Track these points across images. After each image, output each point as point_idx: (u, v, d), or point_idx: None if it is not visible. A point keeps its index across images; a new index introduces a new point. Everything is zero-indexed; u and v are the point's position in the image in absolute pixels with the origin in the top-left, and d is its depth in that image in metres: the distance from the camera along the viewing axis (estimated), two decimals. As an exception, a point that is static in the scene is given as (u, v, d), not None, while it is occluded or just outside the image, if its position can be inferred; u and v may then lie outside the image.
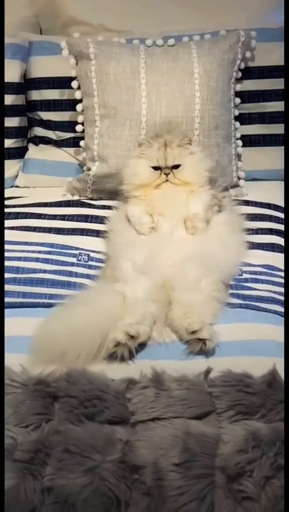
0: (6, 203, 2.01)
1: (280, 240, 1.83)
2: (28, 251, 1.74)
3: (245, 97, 2.09)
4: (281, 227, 1.88)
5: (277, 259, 1.75)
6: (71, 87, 2.07)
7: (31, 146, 2.21)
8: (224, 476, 1.10)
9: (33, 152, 2.19)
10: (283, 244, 1.82)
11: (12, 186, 2.17)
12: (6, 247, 1.75)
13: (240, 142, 2.08)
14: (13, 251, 1.73)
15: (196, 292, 1.51)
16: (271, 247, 1.80)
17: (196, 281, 1.53)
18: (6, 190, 2.11)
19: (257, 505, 1.06)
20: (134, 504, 1.08)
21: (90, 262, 1.73)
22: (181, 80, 1.92)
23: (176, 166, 1.81)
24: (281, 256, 1.77)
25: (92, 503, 1.07)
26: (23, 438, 1.17)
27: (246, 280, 1.66)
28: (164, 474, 1.09)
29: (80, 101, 2.04)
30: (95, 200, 2.01)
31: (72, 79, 2.06)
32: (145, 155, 1.83)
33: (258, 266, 1.72)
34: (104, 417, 1.20)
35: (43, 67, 2.16)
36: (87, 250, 1.77)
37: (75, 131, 2.10)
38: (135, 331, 1.40)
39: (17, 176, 2.18)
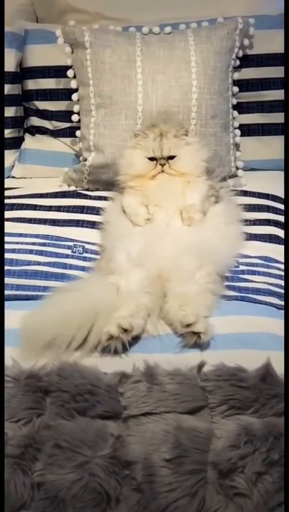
0: (2, 193, 2.00)
1: (278, 231, 1.81)
2: (22, 243, 1.73)
3: (244, 85, 2.06)
4: (279, 217, 1.86)
5: (275, 251, 1.73)
6: (67, 76, 2.04)
7: (27, 136, 2.18)
8: (216, 471, 1.09)
9: (30, 142, 2.17)
10: (281, 235, 1.80)
11: (8, 177, 2.14)
12: (1, 238, 1.73)
13: (238, 132, 2.05)
14: (7, 243, 1.71)
15: (191, 284, 1.50)
16: (269, 238, 1.78)
17: (192, 273, 1.52)
18: (1, 182, 2.10)
19: (249, 501, 1.05)
20: (125, 500, 1.07)
21: (84, 254, 1.72)
22: (178, 69, 1.89)
23: (172, 157, 1.78)
24: (279, 247, 1.75)
25: (82, 499, 1.06)
26: (14, 433, 1.16)
27: (243, 272, 1.64)
28: (155, 470, 1.08)
29: (76, 90, 2.01)
30: (91, 190, 1.99)
31: (68, 68, 2.03)
32: (141, 145, 1.80)
33: (255, 257, 1.70)
34: (96, 412, 1.19)
35: (39, 56, 2.14)
36: (82, 242, 1.75)
37: (71, 121, 2.08)
38: (128, 324, 1.39)
39: (13, 166, 2.16)
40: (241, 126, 2.07)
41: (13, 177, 2.14)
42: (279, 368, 1.26)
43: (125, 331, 1.38)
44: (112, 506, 1.06)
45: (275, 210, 1.88)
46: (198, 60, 1.89)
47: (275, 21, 2.05)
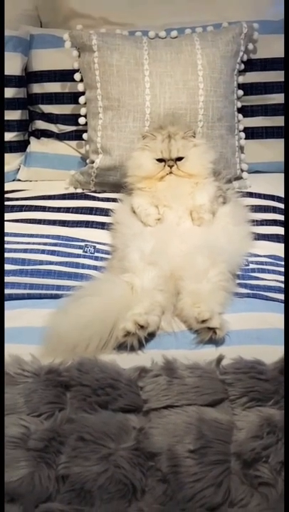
0: (9, 196, 2.01)
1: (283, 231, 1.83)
2: (33, 243, 1.74)
3: (248, 89, 2.09)
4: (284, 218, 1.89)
5: (282, 249, 1.75)
6: (73, 80, 2.06)
7: (33, 140, 2.20)
8: (240, 462, 1.10)
9: (35, 145, 2.18)
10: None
11: (14, 180, 2.15)
12: (11, 239, 1.74)
13: (243, 134, 2.08)
14: (18, 243, 1.73)
15: (204, 282, 1.51)
16: (276, 238, 1.81)
17: (204, 271, 1.53)
18: (7, 184, 2.11)
19: (274, 490, 1.06)
20: (150, 491, 1.08)
21: (96, 254, 1.73)
22: (185, 71, 1.92)
23: (180, 158, 1.80)
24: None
25: (108, 490, 1.06)
26: (36, 427, 1.17)
27: (253, 270, 1.66)
28: (179, 461, 1.09)
29: (83, 93, 2.03)
30: (99, 192, 2.01)
31: (73, 72, 2.06)
32: (149, 147, 1.83)
33: (264, 256, 1.72)
34: (118, 405, 1.20)
35: (45, 60, 2.16)
36: (93, 242, 1.77)
37: (77, 124, 2.10)
38: (144, 320, 1.40)
39: (19, 169, 2.17)
40: (246, 129, 2.10)
41: (19, 180, 2.15)
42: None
43: (141, 327, 1.39)
44: (137, 497, 1.07)
45: (281, 211, 1.91)
46: (204, 63, 1.92)
47: (278, 26, 2.09)
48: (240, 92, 2.06)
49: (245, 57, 2.04)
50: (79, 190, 2.03)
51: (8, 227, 1.78)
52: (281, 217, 1.89)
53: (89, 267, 1.67)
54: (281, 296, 1.55)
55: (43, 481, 1.09)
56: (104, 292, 1.47)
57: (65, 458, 1.11)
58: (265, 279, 1.62)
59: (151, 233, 1.66)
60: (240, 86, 2.07)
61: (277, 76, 2.10)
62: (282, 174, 2.10)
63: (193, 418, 1.16)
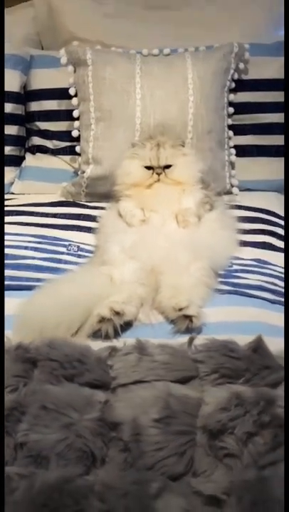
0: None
1: (272, 240, 1.82)
2: (18, 240, 1.74)
3: (239, 108, 2.13)
4: (273, 228, 1.88)
5: (269, 255, 1.74)
6: (69, 98, 2.12)
7: (28, 155, 2.23)
8: (205, 435, 1.06)
9: (30, 160, 2.22)
10: (275, 243, 1.81)
11: (7, 193, 2.18)
12: (-4, 237, 1.75)
13: (233, 151, 2.10)
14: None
15: (185, 276, 1.50)
16: (262, 245, 1.79)
17: (186, 266, 1.52)
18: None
19: (238, 461, 1.01)
20: (111, 461, 1.03)
21: (79, 252, 1.72)
22: (176, 84, 1.97)
23: (168, 166, 1.82)
24: (273, 253, 1.76)
25: (66, 457, 1.02)
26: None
27: (236, 271, 1.64)
28: (142, 430, 1.05)
29: (77, 107, 2.08)
30: (89, 202, 2.02)
31: (69, 89, 2.11)
32: (138, 155, 1.85)
33: (249, 259, 1.70)
34: (84, 380, 1.17)
35: (43, 79, 2.22)
36: (77, 242, 1.76)
37: (71, 140, 2.13)
38: (120, 307, 1.38)
39: (13, 183, 2.20)
40: (237, 147, 2.13)
41: (12, 193, 2.17)
42: (271, 349, 1.25)
43: (117, 313, 1.37)
44: (97, 466, 1.02)
45: (270, 222, 1.91)
46: (194, 77, 1.97)
47: (270, 49, 2.15)
48: (231, 110, 2.09)
49: (236, 76, 2.08)
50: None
51: (-2, 228, 1.79)
52: (269, 228, 1.87)
53: (71, 263, 1.67)
54: (263, 294, 1.53)
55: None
56: (81, 281, 1.46)
57: (25, 426, 1.08)
58: (248, 279, 1.60)
59: (135, 230, 1.66)
60: (232, 104, 2.10)
61: (268, 96, 2.14)
62: (274, 193, 2.13)
63: (162, 392, 1.12)
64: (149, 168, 1.83)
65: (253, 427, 1.04)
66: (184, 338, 1.35)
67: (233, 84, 2.09)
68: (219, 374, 1.16)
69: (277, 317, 1.44)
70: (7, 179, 2.20)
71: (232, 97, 2.10)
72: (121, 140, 1.96)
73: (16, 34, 2.33)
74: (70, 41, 2.29)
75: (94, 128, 2.00)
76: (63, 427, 1.06)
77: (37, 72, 2.23)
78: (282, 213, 1.97)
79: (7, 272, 1.59)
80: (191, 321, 1.37)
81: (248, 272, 1.64)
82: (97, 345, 1.32)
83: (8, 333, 1.34)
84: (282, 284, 1.60)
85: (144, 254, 1.55)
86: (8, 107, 2.18)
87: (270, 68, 2.14)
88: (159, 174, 1.82)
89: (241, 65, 2.09)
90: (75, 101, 2.08)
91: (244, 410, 1.07)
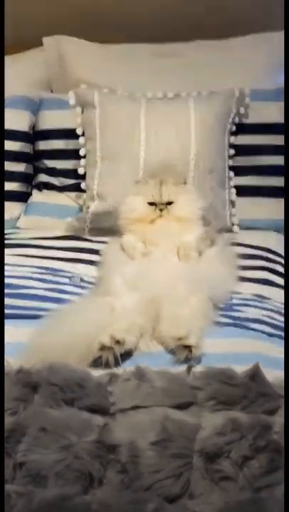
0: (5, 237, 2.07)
1: (272, 277, 1.85)
2: (21, 271, 1.78)
3: (241, 150, 2.20)
4: (274, 266, 1.91)
5: (268, 291, 1.77)
6: (75, 138, 2.19)
7: (35, 192, 2.30)
8: (202, 458, 1.06)
9: (36, 196, 2.28)
10: (276, 280, 1.84)
11: (14, 227, 2.23)
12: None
13: (234, 190, 2.17)
14: (6, 270, 1.76)
15: (185, 307, 1.53)
16: (262, 281, 1.82)
17: (186, 298, 1.55)
18: (6, 231, 2.17)
19: (234, 484, 1.02)
20: (108, 482, 1.04)
21: (82, 284, 1.76)
22: (178, 126, 2.05)
23: (171, 203, 1.88)
24: (273, 289, 1.79)
25: (64, 477, 1.03)
26: None
27: (236, 305, 1.67)
28: (140, 452, 1.06)
29: (83, 146, 2.15)
30: (92, 237, 2.07)
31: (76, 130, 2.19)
32: (142, 192, 1.91)
33: (248, 294, 1.73)
34: (84, 404, 1.18)
35: (52, 120, 2.31)
36: (80, 274, 1.80)
37: (77, 178, 2.20)
38: (121, 336, 1.40)
39: (19, 218, 2.25)
40: (237, 187, 2.19)
41: (18, 227, 2.22)
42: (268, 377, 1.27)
43: (118, 342, 1.39)
44: (94, 486, 1.03)
45: (269, 259, 1.94)
46: (197, 119, 2.06)
47: (271, 94, 2.24)
48: (232, 151, 2.17)
49: (237, 120, 2.17)
50: (73, 235, 2.10)
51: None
52: (270, 265, 1.91)
53: (73, 293, 1.70)
54: (261, 327, 1.55)
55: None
56: (84, 312, 1.49)
57: (24, 446, 1.09)
58: (248, 312, 1.63)
59: (137, 263, 1.70)
60: (233, 146, 2.18)
61: (268, 139, 2.22)
62: (273, 232, 2.17)
63: (159, 416, 1.14)
64: (152, 204, 1.89)
65: (249, 451, 1.05)
66: (182, 367, 1.37)
67: (234, 127, 2.17)
68: (217, 400, 1.18)
69: (276, 350, 1.46)
70: (14, 214, 2.26)
71: (233, 139, 2.18)
72: (125, 177, 2.03)
73: (27, 77, 2.44)
74: (79, 85, 2.40)
75: (99, 166, 2.07)
76: (62, 449, 1.07)
77: (46, 113, 2.33)
78: (281, 251, 2.01)
79: (13, 301, 1.62)
80: (190, 351, 1.39)
81: (247, 305, 1.67)
82: (98, 373, 1.34)
83: (8, 358, 1.36)
84: (281, 318, 1.62)
85: (145, 285, 1.58)
86: (17, 145, 2.26)
87: (269, 113, 2.22)
88: (161, 210, 1.88)
89: (242, 109, 2.17)
90: (82, 140, 2.16)
91: (240, 435, 1.08)
